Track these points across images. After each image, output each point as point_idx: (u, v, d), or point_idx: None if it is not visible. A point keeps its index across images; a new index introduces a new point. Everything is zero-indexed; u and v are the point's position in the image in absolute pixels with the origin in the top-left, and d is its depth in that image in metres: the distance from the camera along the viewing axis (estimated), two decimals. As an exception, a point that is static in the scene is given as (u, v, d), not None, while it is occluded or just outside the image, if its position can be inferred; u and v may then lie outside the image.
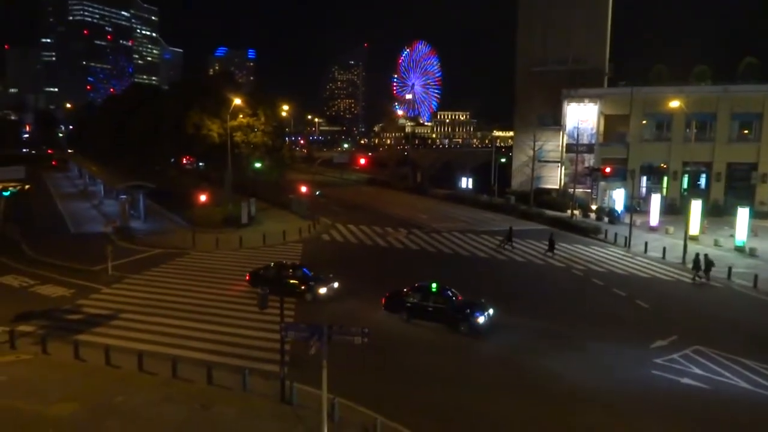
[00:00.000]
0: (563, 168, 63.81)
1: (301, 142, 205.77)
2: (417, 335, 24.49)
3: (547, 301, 29.57)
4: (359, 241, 45.53)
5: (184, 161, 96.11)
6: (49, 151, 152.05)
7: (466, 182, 77.24)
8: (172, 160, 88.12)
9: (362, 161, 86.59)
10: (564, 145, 63.00)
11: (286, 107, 71.23)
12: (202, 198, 51.30)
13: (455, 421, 17.26)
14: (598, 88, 64.53)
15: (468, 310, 24.50)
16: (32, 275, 33.87)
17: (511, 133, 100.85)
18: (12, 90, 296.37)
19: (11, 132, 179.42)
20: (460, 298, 25.75)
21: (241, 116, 56.67)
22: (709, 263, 32.47)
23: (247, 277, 30.87)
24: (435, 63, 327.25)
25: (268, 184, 66.31)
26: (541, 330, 24.95)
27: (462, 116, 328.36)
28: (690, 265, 33.67)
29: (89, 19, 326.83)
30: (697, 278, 32.81)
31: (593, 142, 61.18)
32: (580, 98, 61.67)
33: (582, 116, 61.39)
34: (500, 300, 27.08)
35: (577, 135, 60.16)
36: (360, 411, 17.30)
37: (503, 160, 78.76)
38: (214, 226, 49.06)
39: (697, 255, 33.17)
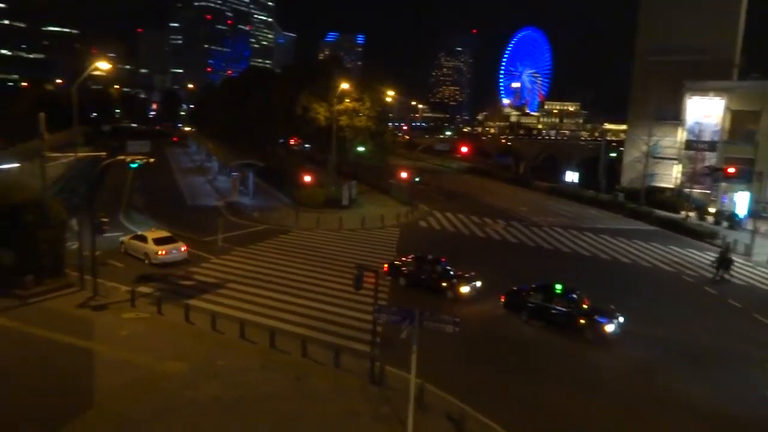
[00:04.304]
0: (680, 166, 59.56)
1: (404, 127, 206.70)
2: (535, 336, 23.54)
3: (661, 309, 27.71)
4: (456, 229, 45.25)
5: (292, 142, 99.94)
6: (172, 128, 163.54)
7: (571, 176, 74.32)
8: (281, 140, 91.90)
9: (464, 149, 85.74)
10: (683, 141, 58.72)
11: (390, 93, 71.75)
12: (307, 178, 53.30)
13: (559, 426, 16.74)
14: (726, 81, 59.29)
15: (595, 316, 22.93)
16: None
17: (624, 127, 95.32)
18: (142, 70, 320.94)
19: (140, 109, 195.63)
20: (587, 302, 24.06)
21: (347, 100, 57.89)
22: None
23: (385, 268, 29.49)
24: (546, 51, 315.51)
25: (370, 168, 67.45)
26: (662, 341, 23.29)
27: (571, 107, 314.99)
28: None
29: (212, 5, 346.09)
30: None
31: (716, 139, 56.49)
32: (704, 91, 57.07)
33: (705, 111, 56.85)
34: (606, 304, 25.86)
35: (699, 131, 55.79)
36: (449, 399, 17.31)
37: (613, 154, 74.93)
38: (317, 206, 50.74)
39: None
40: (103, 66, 32.23)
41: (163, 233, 33.12)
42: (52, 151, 31.88)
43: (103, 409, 16.11)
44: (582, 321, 23.05)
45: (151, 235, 32.21)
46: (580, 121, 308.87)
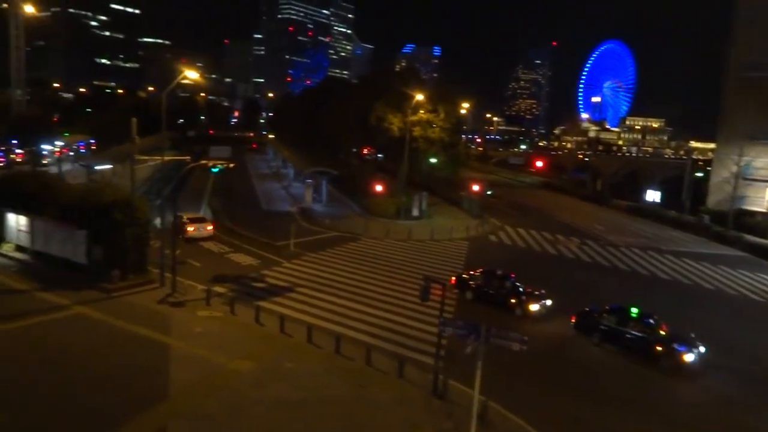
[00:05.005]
0: (775, 189, 55.68)
1: (478, 140, 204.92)
2: (606, 360, 22.64)
3: (746, 340, 25.97)
4: (527, 245, 44.27)
5: (365, 152, 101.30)
6: (251, 135, 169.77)
7: (652, 195, 71.03)
8: (355, 150, 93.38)
9: (539, 164, 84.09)
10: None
11: (465, 105, 71.40)
12: (378, 188, 53.86)
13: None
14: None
15: (674, 344, 21.75)
16: (228, 243, 38.25)
17: (712, 145, 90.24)
18: (227, 79, 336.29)
19: (223, 116, 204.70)
20: (664, 328, 22.86)
21: (421, 111, 58.13)
22: None
23: (452, 281, 29.27)
24: (629, 64, 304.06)
25: (441, 180, 67.27)
26: (745, 374, 21.85)
27: (654, 123, 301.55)
28: None
29: (294, 17, 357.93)
30: None
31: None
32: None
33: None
34: (686, 332, 24.50)
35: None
36: (512, 419, 16.91)
37: (699, 174, 70.95)
38: (387, 215, 51.14)
39: None
40: (191, 75, 33.99)
41: (196, 215, 38.97)
42: (141, 154, 33.91)
43: (176, 402, 16.86)
44: (659, 348, 21.90)
45: (187, 215, 36.92)
46: (664, 138, 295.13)
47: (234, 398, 17.16)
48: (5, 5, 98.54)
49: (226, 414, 16.24)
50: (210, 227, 38.32)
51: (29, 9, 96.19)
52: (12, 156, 67.07)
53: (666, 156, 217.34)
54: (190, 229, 31.47)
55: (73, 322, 22.58)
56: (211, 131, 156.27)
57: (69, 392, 17.04)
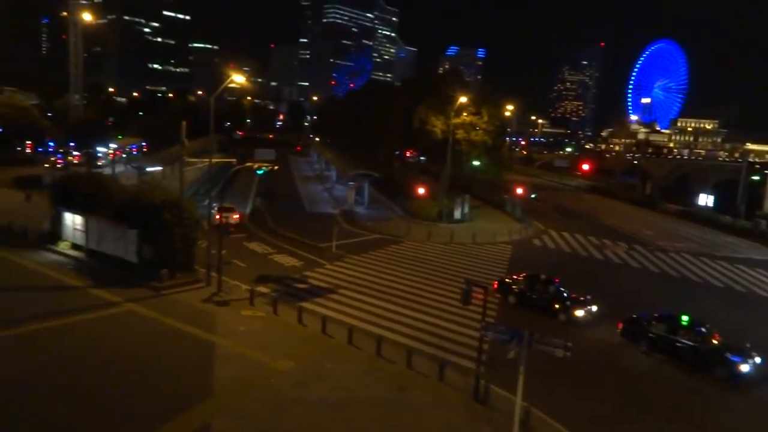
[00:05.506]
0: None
1: (522, 142, 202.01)
2: (654, 369, 22.01)
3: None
4: (572, 250, 43.38)
5: (408, 154, 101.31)
6: (295, 137, 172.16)
7: (704, 199, 68.62)
8: (397, 152, 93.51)
9: (585, 167, 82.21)
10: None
11: (509, 107, 70.55)
12: (420, 191, 53.80)
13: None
14: None
15: (727, 354, 20.97)
16: (272, 244, 38.90)
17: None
18: (273, 83, 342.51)
19: (268, 119, 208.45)
20: (717, 337, 22.05)
21: (464, 114, 57.75)
22: None
23: (495, 285, 29.02)
24: (681, 64, 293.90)
25: (484, 183, 66.66)
26: None
27: (708, 125, 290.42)
28: None
29: (339, 21, 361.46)
30: None
31: None
32: None
33: None
34: (740, 341, 23.53)
35: None
36: (556, 427, 16.59)
37: (755, 177, 67.95)
38: (429, 218, 51.00)
39: None
40: (238, 79, 34.80)
41: (227, 205, 40.18)
42: (190, 156, 34.89)
43: (220, 399, 17.23)
44: (711, 358, 21.13)
45: (218, 206, 36.67)
46: (718, 140, 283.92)
47: (275, 397, 17.42)
48: (65, 13, 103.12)
49: (268, 412, 16.50)
50: (236, 216, 41.63)
51: (87, 17, 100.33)
52: (69, 158, 70.03)
53: (720, 158, 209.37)
54: (217, 217, 32.48)
55: (123, 319, 23.39)
56: (256, 134, 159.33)
57: (118, 387, 17.63)
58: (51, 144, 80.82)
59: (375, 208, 57.10)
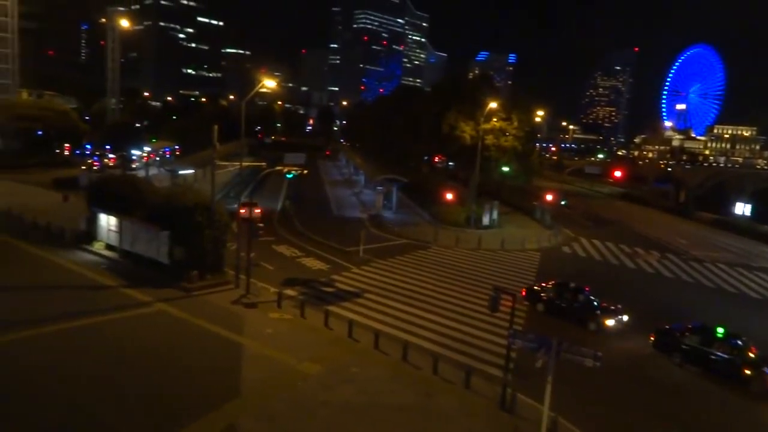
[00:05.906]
0: None
1: (552, 148, 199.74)
2: (688, 382, 21.51)
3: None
4: (603, 258, 42.65)
5: (436, 160, 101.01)
6: (325, 142, 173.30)
7: (741, 208, 66.76)
8: (426, 157, 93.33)
9: (617, 174, 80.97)
10: None
11: (540, 113, 69.85)
12: (449, 196, 53.60)
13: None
14: None
15: (764, 368, 20.44)
16: (300, 248, 39.19)
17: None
18: (303, 88, 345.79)
19: (299, 123, 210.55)
20: (754, 350, 21.49)
21: (494, 120, 57.38)
22: None
23: (523, 292, 28.70)
24: (718, 70, 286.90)
25: (513, 189, 66.06)
26: None
27: (745, 132, 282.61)
28: None
29: (369, 27, 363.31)
30: None
31: None
32: None
33: None
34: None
35: None
36: (582, 437, 16.31)
37: (797, 186, 65.93)
38: (457, 224, 50.74)
39: None
40: (269, 84, 35.18)
41: (251, 202, 39.28)
42: (221, 160, 35.39)
43: (246, 400, 17.38)
44: (748, 371, 20.55)
45: (242, 202, 37.04)
46: (756, 147, 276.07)
47: (301, 399, 17.50)
48: (104, 20, 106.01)
49: (293, 414, 16.58)
50: (258, 210, 41.45)
51: (125, 24, 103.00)
52: (105, 160, 71.79)
53: (758, 166, 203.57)
54: (242, 210, 33.10)
55: (154, 318, 23.81)
56: (285, 138, 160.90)
57: (147, 384, 17.93)
58: (88, 147, 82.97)
59: (403, 213, 57.05)
